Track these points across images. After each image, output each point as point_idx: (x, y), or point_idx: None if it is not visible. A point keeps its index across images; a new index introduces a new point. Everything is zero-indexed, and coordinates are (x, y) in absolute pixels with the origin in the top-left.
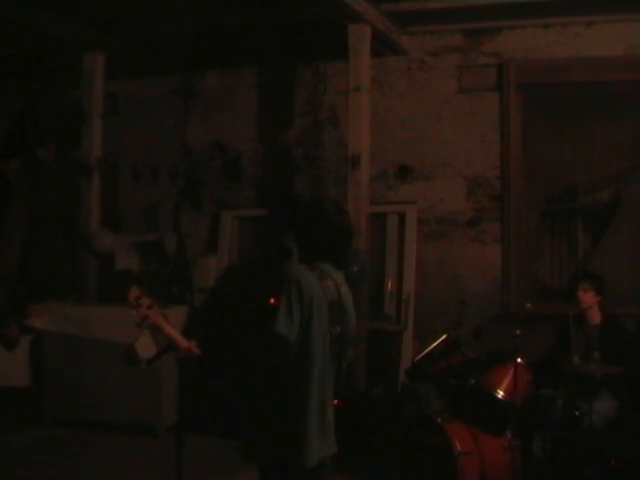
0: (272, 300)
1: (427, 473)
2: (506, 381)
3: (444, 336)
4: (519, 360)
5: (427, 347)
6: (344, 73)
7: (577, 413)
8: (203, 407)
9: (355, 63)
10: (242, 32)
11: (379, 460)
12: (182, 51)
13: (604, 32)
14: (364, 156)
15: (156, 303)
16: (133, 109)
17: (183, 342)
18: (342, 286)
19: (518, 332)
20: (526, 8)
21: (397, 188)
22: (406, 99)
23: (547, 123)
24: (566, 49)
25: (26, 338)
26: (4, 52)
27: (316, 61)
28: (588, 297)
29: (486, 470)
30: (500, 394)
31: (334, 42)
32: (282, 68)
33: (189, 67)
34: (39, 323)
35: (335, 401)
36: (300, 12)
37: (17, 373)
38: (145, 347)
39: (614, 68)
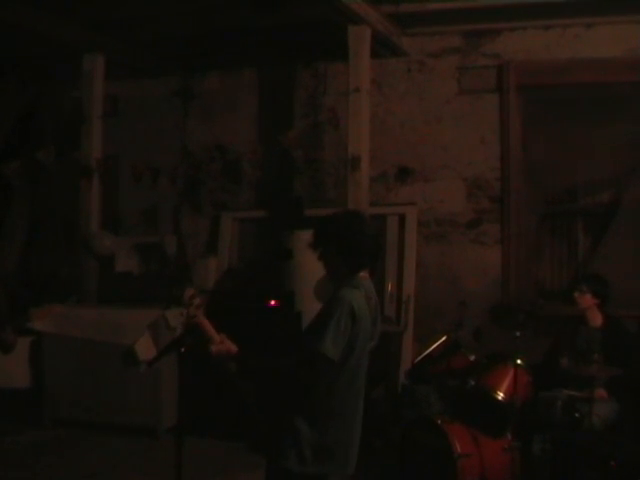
0: (272, 302)
1: (427, 474)
2: (506, 382)
3: (444, 337)
4: (519, 361)
5: (427, 348)
6: (344, 74)
7: (577, 414)
8: (203, 408)
9: (355, 64)
10: (242, 34)
11: (379, 461)
12: (182, 52)
13: (604, 34)
14: (364, 157)
15: (203, 302)
16: (133, 110)
17: (217, 337)
18: (377, 301)
19: (518, 333)
20: (526, 10)
21: (397, 189)
22: (406, 100)
23: (547, 124)
24: (566, 50)
25: (26, 340)
26: (4, 54)
27: (316, 62)
28: (584, 299)
29: (486, 471)
30: (500, 395)
31: (334, 43)
32: (282, 69)
33: (189, 68)
34: (39, 325)
35: None
36: (300, 13)
37: (17, 374)
38: (145, 348)
39: (614, 69)
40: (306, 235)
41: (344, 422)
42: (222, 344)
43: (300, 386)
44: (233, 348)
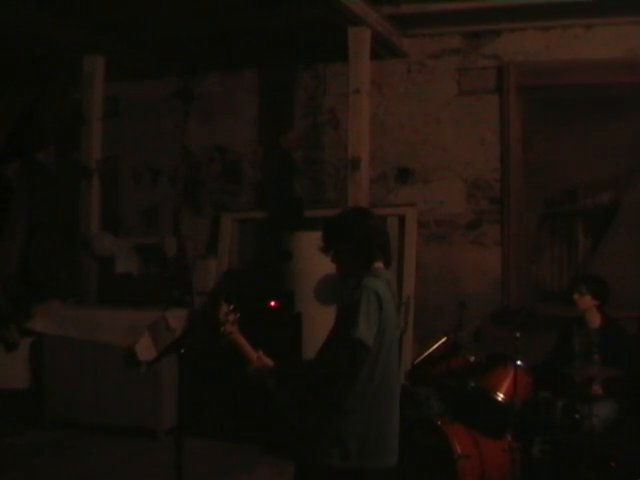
0: (272, 302)
1: (427, 476)
2: (506, 384)
3: (444, 338)
4: (519, 362)
5: (427, 349)
6: (344, 76)
7: (577, 416)
8: (203, 409)
9: (355, 66)
10: (242, 35)
11: None
12: (182, 54)
13: (604, 35)
14: (364, 158)
15: (238, 318)
16: (133, 112)
17: (253, 354)
18: (396, 290)
19: (518, 334)
20: (526, 11)
21: (397, 191)
22: (406, 102)
23: (547, 125)
24: (566, 51)
25: (26, 340)
26: (4, 55)
27: (316, 64)
28: (584, 301)
29: (486, 473)
30: (500, 397)
31: (334, 45)
32: (282, 71)
33: (189, 70)
34: (39, 325)
35: None
36: (300, 15)
37: (17, 375)
38: (145, 349)
39: (614, 71)
40: (306, 236)
41: (384, 413)
42: (259, 361)
43: (342, 380)
44: (270, 363)
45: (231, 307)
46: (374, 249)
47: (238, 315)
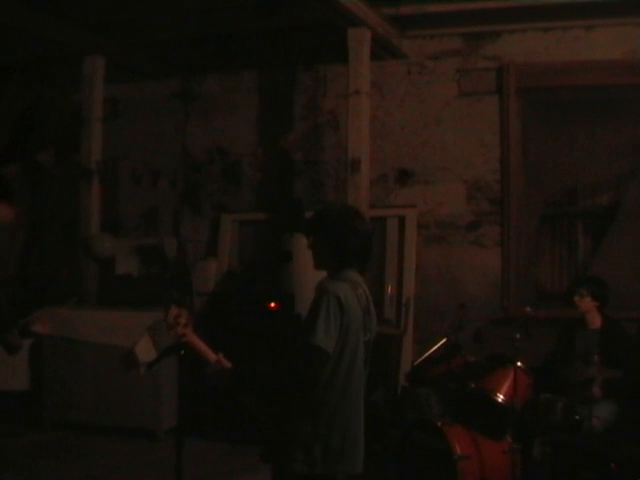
0: (272, 304)
1: (427, 477)
2: (506, 385)
3: (444, 340)
4: (519, 364)
5: (427, 351)
6: (344, 77)
7: (577, 417)
8: (203, 410)
9: (355, 67)
10: (242, 36)
11: (379, 464)
12: (182, 55)
13: (604, 36)
14: (364, 160)
15: (190, 319)
16: (133, 113)
17: (212, 356)
18: (367, 292)
19: (518, 336)
20: (526, 12)
21: (397, 192)
22: (406, 103)
23: (547, 126)
24: (566, 53)
25: (26, 342)
26: (4, 56)
27: (316, 65)
28: (584, 302)
29: (486, 474)
30: (500, 398)
31: (334, 46)
32: (282, 72)
33: (189, 71)
34: (39, 327)
35: None
36: (300, 16)
37: (17, 377)
38: (145, 351)
39: (614, 72)
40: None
41: (348, 419)
42: (219, 363)
43: (300, 386)
44: (228, 366)
45: (180, 310)
46: (348, 252)
47: (189, 317)
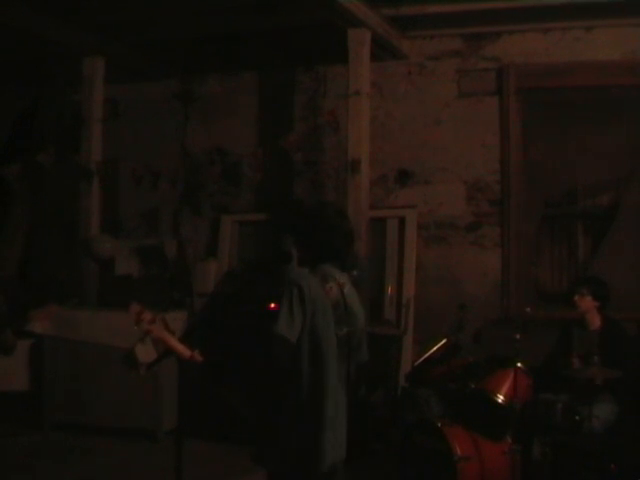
0: (272, 304)
1: (427, 477)
2: (506, 385)
3: (444, 340)
4: (519, 364)
5: (427, 351)
6: (344, 77)
7: (577, 417)
8: (203, 411)
9: (355, 67)
10: (242, 37)
11: (379, 464)
12: (182, 56)
13: (603, 37)
14: (364, 160)
15: (157, 315)
16: (133, 113)
17: (186, 352)
18: (346, 287)
19: (518, 336)
20: (526, 13)
21: (397, 192)
22: (406, 103)
23: (547, 127)
24: (565, 54)
25: (26, 342)
26: (4, 56)
27: (316, 65)
28: (585, 302)
29: (486, 475)
30: (500, 398)
31: (334, 46)
32: (282, 73)
33: (189, 72)
34: (39, 327)
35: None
36: (300, 17)
37: (17, 377)
38: (145, 351)
39: (613, 72)
40: None
41: (322, 416)
42: (192, 359)
43: (272, 381)
44: (198, 357)
45: (141, 307)
46: (318, 250)
47: (153, 314)
